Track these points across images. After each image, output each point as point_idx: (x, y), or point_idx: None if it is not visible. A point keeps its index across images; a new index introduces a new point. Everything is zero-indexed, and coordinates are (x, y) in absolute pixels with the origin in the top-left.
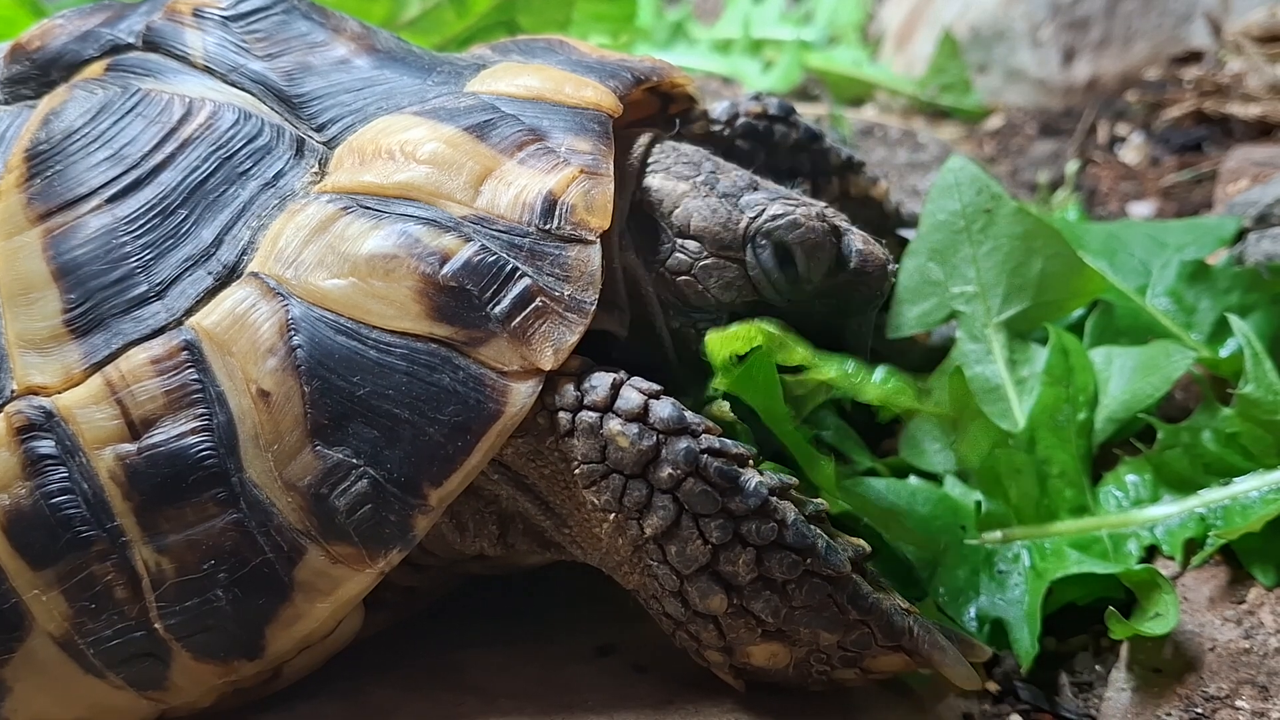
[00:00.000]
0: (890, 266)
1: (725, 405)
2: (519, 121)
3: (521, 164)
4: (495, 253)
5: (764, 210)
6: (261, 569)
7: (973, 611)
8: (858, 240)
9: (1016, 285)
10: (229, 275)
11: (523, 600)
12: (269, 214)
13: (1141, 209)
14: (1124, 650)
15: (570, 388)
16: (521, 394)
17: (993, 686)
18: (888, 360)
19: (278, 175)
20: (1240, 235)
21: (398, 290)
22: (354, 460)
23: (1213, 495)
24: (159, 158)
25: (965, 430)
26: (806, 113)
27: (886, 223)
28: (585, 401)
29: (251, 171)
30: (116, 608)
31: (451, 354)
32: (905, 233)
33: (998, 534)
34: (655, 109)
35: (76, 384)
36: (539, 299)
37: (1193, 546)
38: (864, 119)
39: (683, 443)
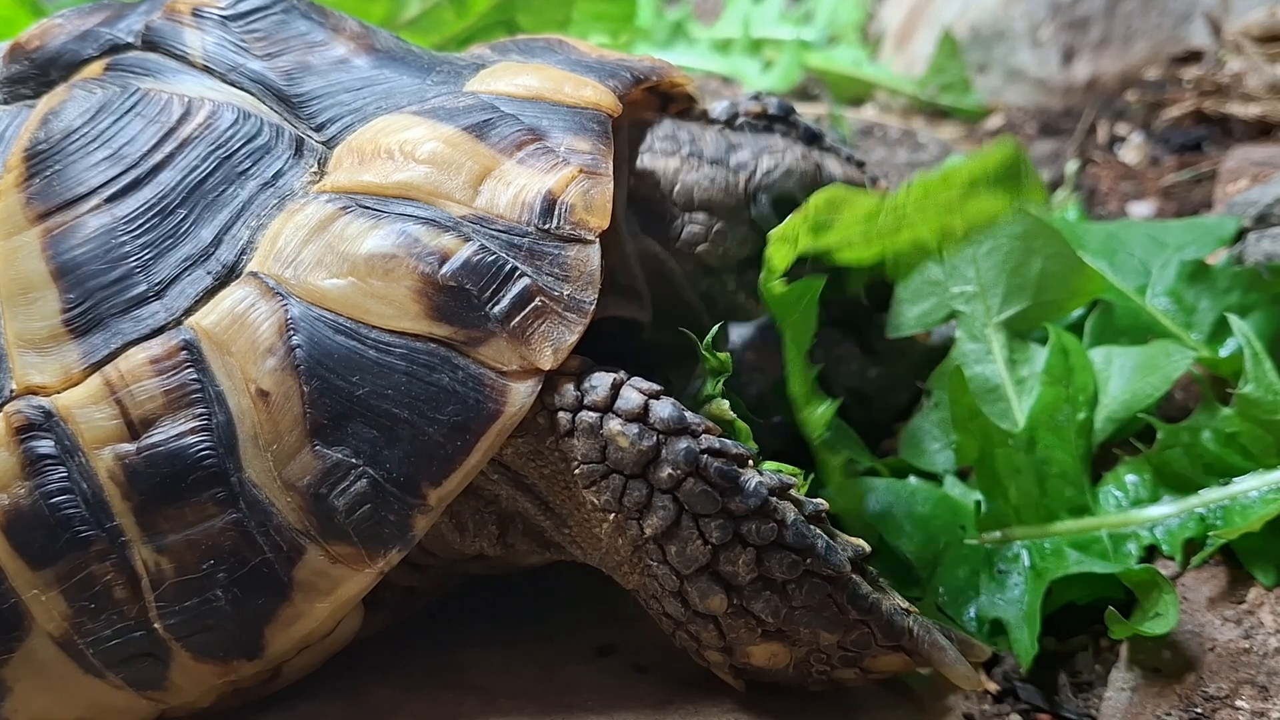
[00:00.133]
0: (867, 181)
1: (725, 404)
2: (518, 121)
3: (521, 163)
4: (494, 252)
5: (755, 167)
6: (261, 569)
7: (973, 611)
8: (836, 168)
9: (1016, 285)
10: (228, 275)
11: (523, 600)
12: (268, 213)
13: (1141, 209)
14: (1124, 650)
15: (570, 387)
16: (521, 394)
17: (993, 686)
18: (887, 360)
19: (277, 175)
20: (1240, 235)
21: (397, 290)
22: (353, 460)
23: (1212, 495)
24: (158, 157)
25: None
26: (806, 112)
27: None
28: (585, 401)
29: (250, 171)
30: (116, 608)
31: (451, 354)
32: None
33: (997, 534)
34: (655, 108)
35: (75, 384)
36: (538, 299)
37: (1192, 546)
38: (864, 119)
39: (683, 443)
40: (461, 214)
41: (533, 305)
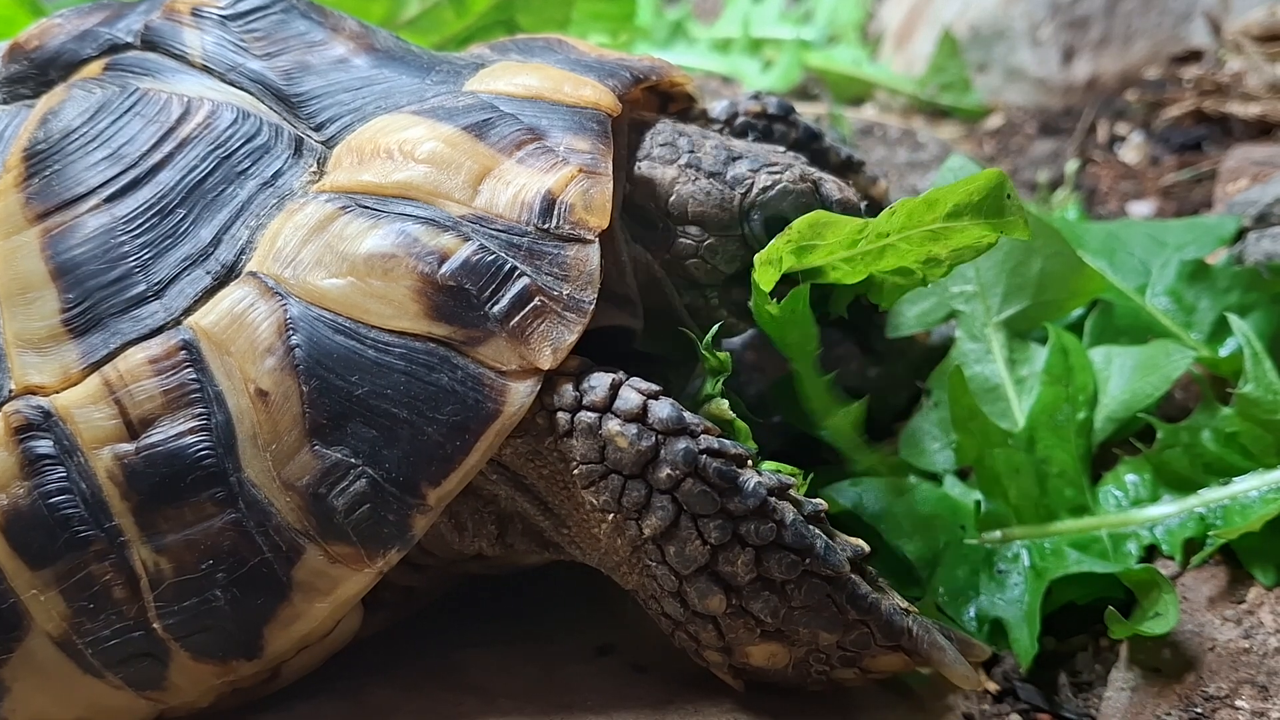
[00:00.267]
0: (861, 206)
1: (724, 404)
2: (518, 120)
3: (520, 163)
4: (494, 252)
5: (753, 184)
6: (260, 569)
7: (972, 611)
8: (834, 190)
9: (1016, 285)
10: (227, 275)
11: (523, 600)
12: (267, 213)
13: (1141, 208)
14: (1123, 650)
15: (569, 388)
16: (520, 393)
17: (993, 686)
18: (887, 360)
19: (276, 174)
20: (1240, 234)
21: (396, 289)
22: (352, 460)
23: (1212, 495)
24: (157, 157)
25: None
26: (806, 112)
27: None
28: (584, 401)
29: (250, 171)
30: (115, 608)
31: (450, 353)
32: None
33: (997, 533)
34: (654, 108)
35: (75, 384)
36: (537, 298)
37: (1192, 546)
38: (864, 118)
39: (681, 443)
40: (461, 213)
41: (532, 305)
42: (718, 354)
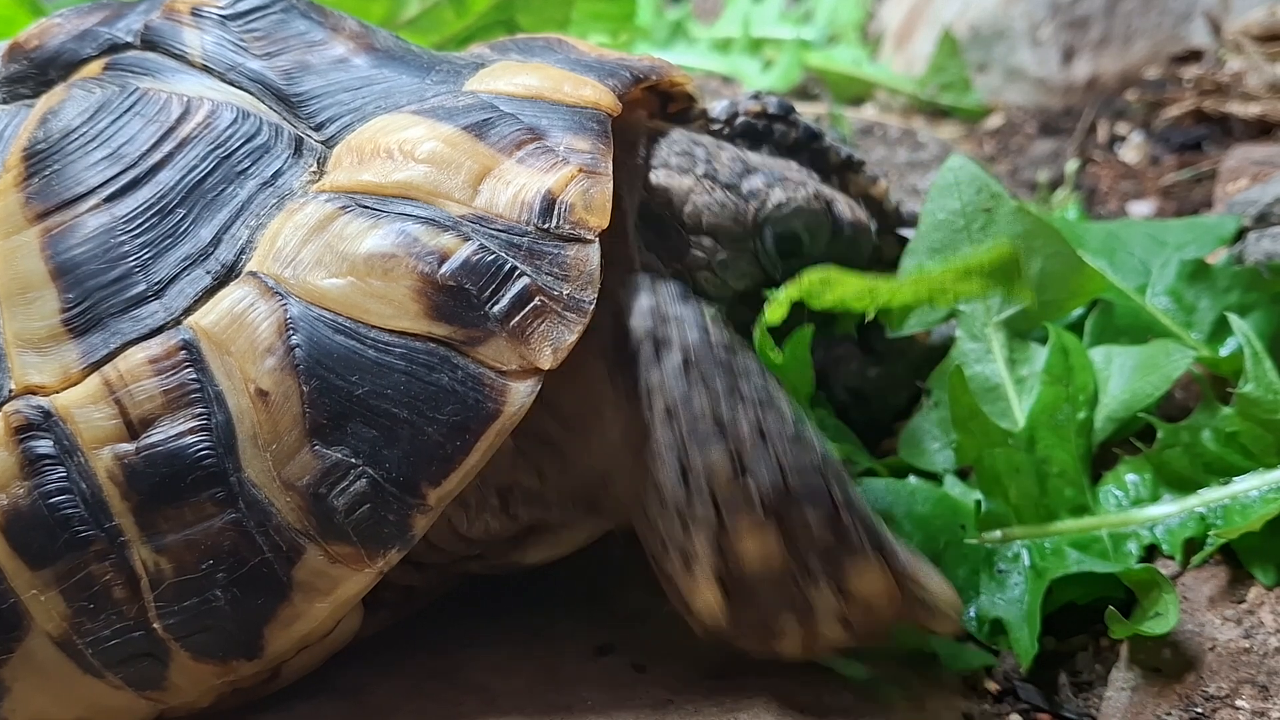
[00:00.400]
0: (872, 227)
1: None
2: (518, 120)
3: (520, 163)
4: (494, 252)
5: (767, 199)
6: (260, 569)
7: (973, 611)
8: (846, 211)
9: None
10: (227, 274)
11: (522, 600)
12: (267, 213)
13: (1141, 208)
14: (1124, 650)
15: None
16: (520, 393)
17: (993, 686)
18: (887, 360)
19: (276, 174)
20: (1240, 234)
21: (396, 289)
22: (353, 460)
23: (1212, 494)
24: (157, 157)
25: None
26: (806, 112)
27: (886, 221)
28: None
29: (250, 170)
30: (115, 608)
31: (450, 353)
32: (905, 232)
33: (997, 533)
34: (654, 108)
35: (75, 384)
36: (538, 298)
37: (1192, 546)
38: (864, 118)
39: (693, 334)
40: (461, 213)
41: (532, 305)
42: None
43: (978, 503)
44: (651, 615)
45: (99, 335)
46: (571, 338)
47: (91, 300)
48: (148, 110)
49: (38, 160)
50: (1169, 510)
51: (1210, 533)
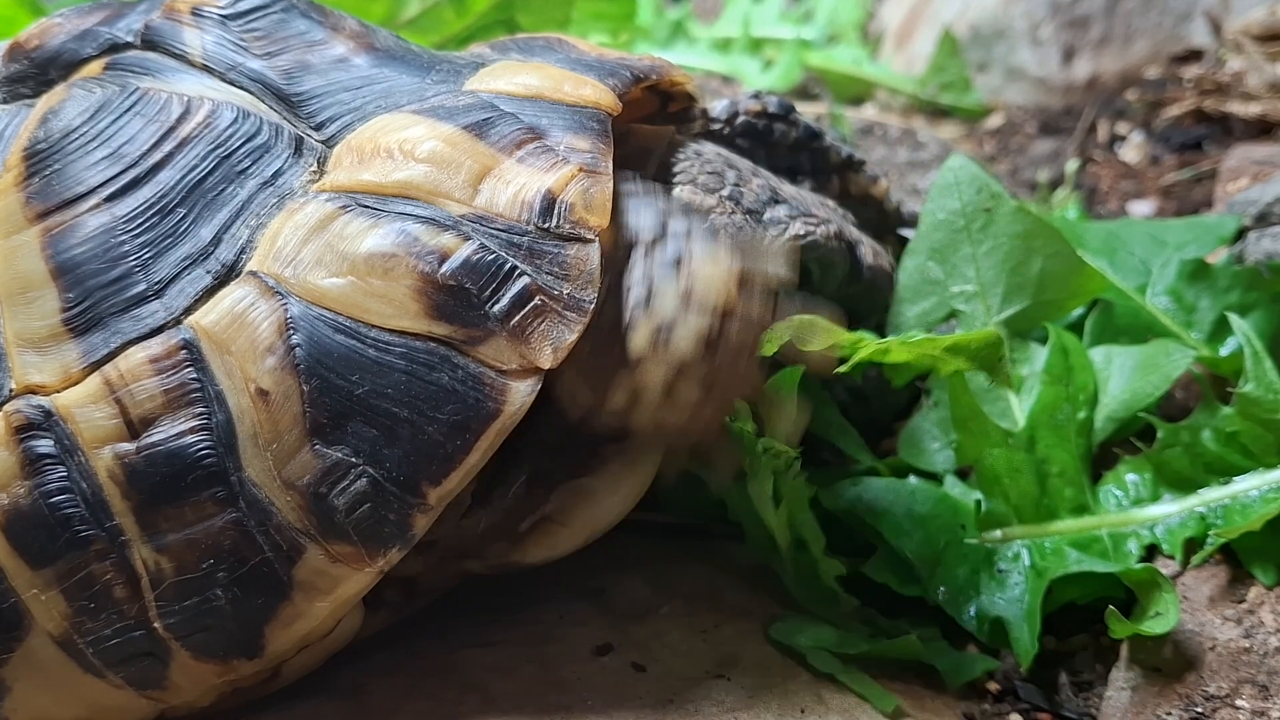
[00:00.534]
0: (895, 275)
1: None
2: (518, 120)
3: (520, 162)
4: (494, 251)
5: (786, 229)
6: (261, 568)
7: (973, 611)
8: (868, 255)
9: (1016, 284)
10: (228, 274)
11: (522, 600)
12: (268, 213)
13: (1141, 208)
14: (1124, 649)
15: None
16: (520, 393)
17: (993, 686)
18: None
19: (276, 174)
20: (1240, 234)
21: (396, 289)
22: (353, 459)
23: (1213, 494)
24: (157, 156)
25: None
26: (806, 111)
27: (887, 221)
28: None
29: (250, 170)
30: (115, 607)
31: (450, 353)
32: (905, 232)
33: (997, 533)
34: (654, 107)
35: (75, 383)
36: (538, 297)
37: (1193, 545)
38: (864, 118)
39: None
40: (461, 213)
41: (532, 304)
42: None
43: (978, 503)
44: (651, 615)
45: (99, 335)
46: (572, 337)
47: (92, 300)
48: (148, 110)
49: (38, 160)
50: (1169, 510)
51: (1210, 532)
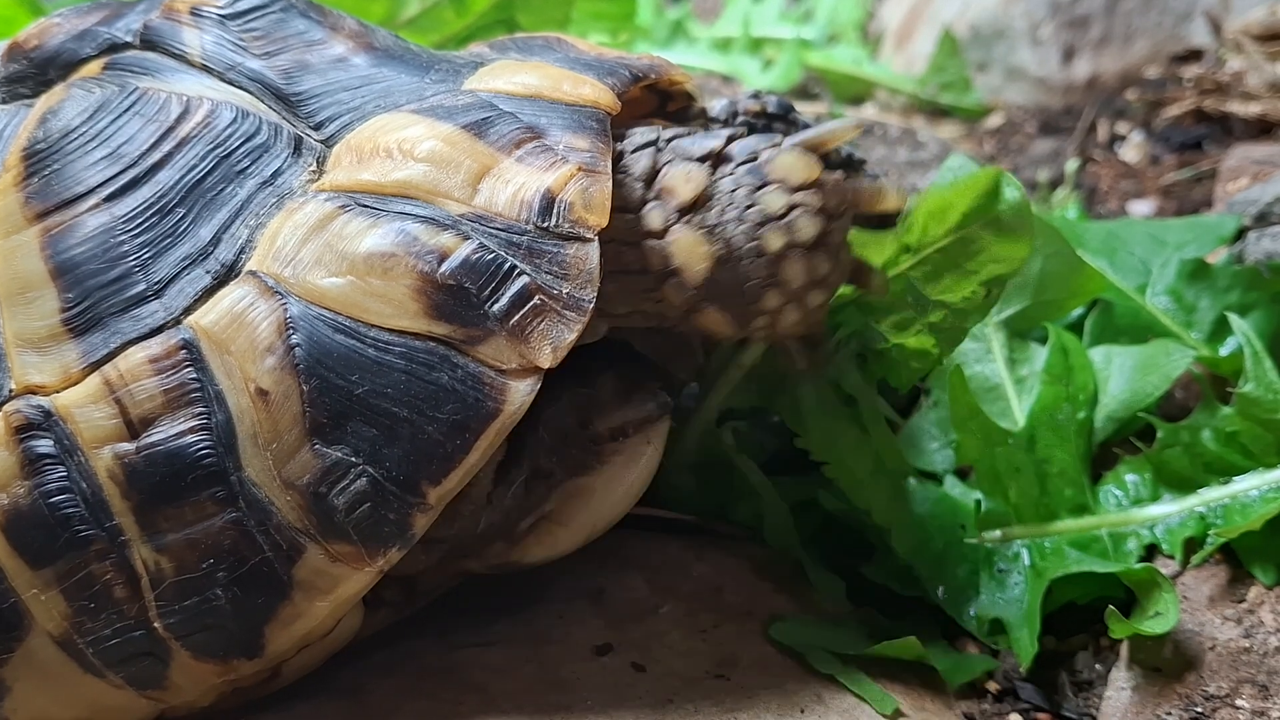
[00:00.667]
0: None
1: None
2: (517, 119)
3: (519, 162)
4: (493, 251)
5: None
6: (260, 568)
7: (972, 611)
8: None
9: (1016, 284)
10: (227, 274)
11: (522, 600)
12: (267, 212)
13: (1141, 207)
14: (1124, 649)
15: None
16: (520, 392)
17: (993, 686)
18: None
19: (275, 174)
20: (1240, 234)
21: (396, 288)
22: (353, 459)
23: (1212, 494)
24: (157, 156)
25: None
26: (806, 111)
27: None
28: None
29: (249, 170)
30: (115, 607)
31: (450, 352)
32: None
33: (997, 533)
34: (653, 106)
35: (75, 383)
36: (537, 297)
37: (1192, 545)
38: (864, 117)
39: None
40: (460, 212)
41: (532, 303)
42: None
43: (978, 503)
44: (651, 615)
45: (99, 335)
46: (571, 336)
47: (91, 300)
48: (147, 110)
49: (37, 160)
50: (1169, 510)
51: (1210, 532)
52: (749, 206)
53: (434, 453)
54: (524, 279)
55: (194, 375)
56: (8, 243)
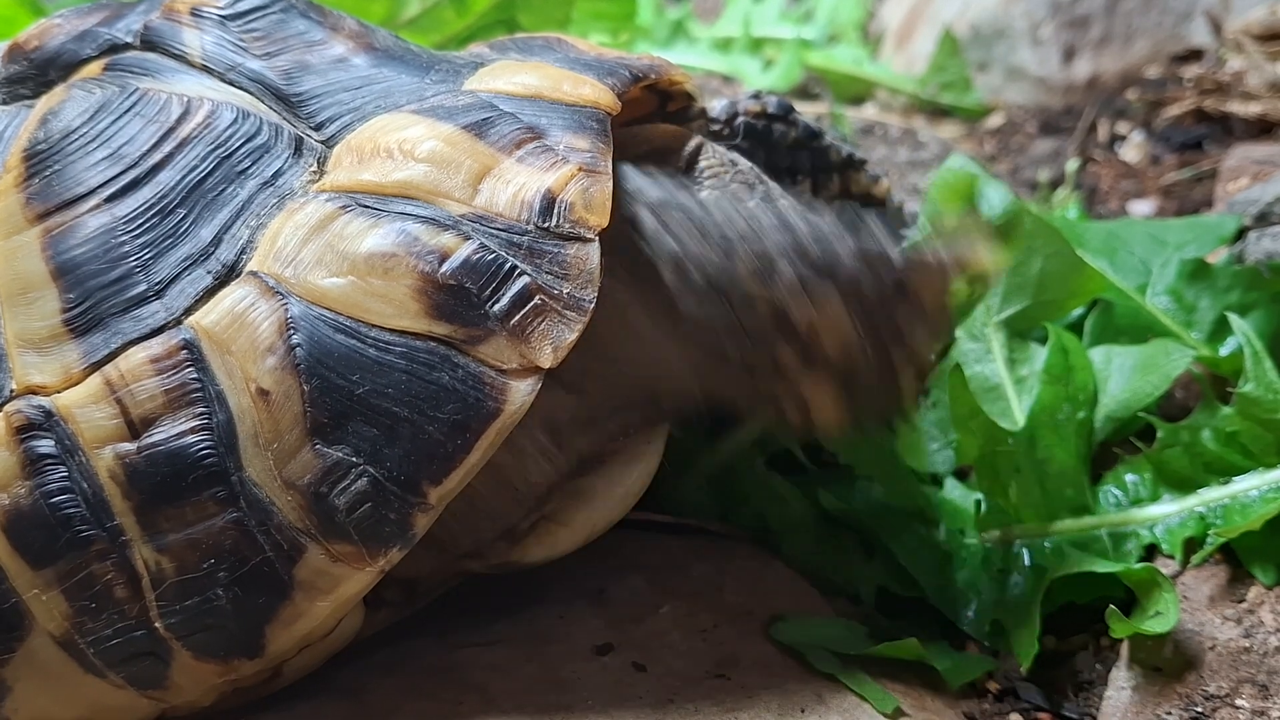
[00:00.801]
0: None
1: None
2: (517, 119)
3: (520, 162)
4: (494, 251)
5: None
6: (261, 568)
7: (973, 611)
8: None
9: (1016, 284)
10: (228, 274)
11: (522, 600)
12: (268, 213)
13: (1142, 207)
14: (1124, 649)
15: None
16: (521, 392)
17: (993, 686)
18: None
19: (276, 174)
20: (1240, 233)
21: (396, 289)
22: (353, 459)
23: (1212, 494)
24: (157, 157)
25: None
26: (807, 111)
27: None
28: None
29: (250, 170)
30: (116, 607)
31: (450, 352)
32: (907, 232)
33: (997, 533)
34: (653, 106)
35: (76, 383)
36: (538, 297)
37: (1192, 545)
38: (864, 117)
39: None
40: (461, 212)
41: (532, 303)
42: None
43: (978, 503)
44: (651, 615)
45: (100, 335)
46: (572, 336)
47: (92, 300)
48: (148, 110)
49: (38, 161)
50: (1169, 510)
51: (1210, 532)
52: None
53: (435, 453)
54: (524, 279)
55: (195, 375)
56: (9, 243)
